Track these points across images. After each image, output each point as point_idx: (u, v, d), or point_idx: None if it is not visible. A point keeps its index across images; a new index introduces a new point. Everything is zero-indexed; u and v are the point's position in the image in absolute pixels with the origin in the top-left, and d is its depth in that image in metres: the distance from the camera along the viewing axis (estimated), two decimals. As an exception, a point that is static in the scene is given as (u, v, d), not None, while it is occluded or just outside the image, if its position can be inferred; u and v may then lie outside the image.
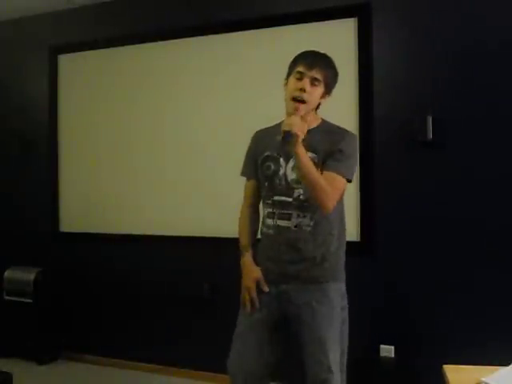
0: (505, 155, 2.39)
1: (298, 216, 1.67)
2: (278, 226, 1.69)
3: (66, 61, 3.42)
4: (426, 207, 2.51)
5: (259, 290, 1.71)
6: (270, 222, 1.73)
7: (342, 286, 1.76)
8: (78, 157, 3.37)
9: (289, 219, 1.67)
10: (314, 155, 1.64)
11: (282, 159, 1.70)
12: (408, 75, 2.56)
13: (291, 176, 1.67)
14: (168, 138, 3.10)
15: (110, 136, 3.28)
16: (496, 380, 1.24)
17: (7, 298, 3.28)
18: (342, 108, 2.64)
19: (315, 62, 1.64)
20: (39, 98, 3.48)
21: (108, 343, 3.24)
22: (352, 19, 2.64)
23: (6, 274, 3.31)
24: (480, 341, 2.33)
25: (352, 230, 2.61)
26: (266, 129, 1.84)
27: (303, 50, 1.73)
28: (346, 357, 1.72)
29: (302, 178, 1.61)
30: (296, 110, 1.61)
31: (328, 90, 1.70)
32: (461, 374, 1.32)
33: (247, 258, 1.76)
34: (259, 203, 1.84)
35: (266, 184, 1.73)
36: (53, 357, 3.29)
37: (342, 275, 1.77)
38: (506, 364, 1.34)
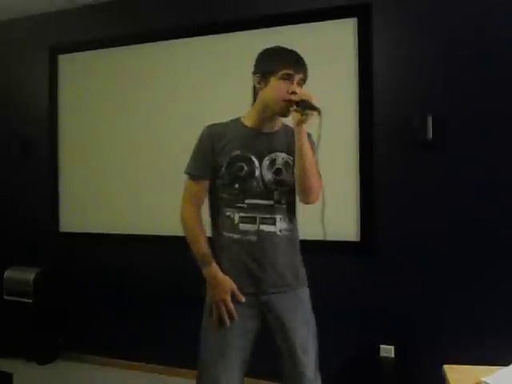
0: (505, 155, 2.39)
1: (281, 220, 1.61)
2: (262, 231, 1.58)
3: (65, 61, 3.42)
4: (426, 207, 2.51)
5: (234, 301, 1.58)
6: (247, 227, 1.58)
7: (307, 289, 1.73)
8: (78, 157, 3.37)
9: (273, 224, 1.60)
10: (288, 156, 1.62)
11: (255, 159, 1.60)
12: (408, 75, 2.56)
13: (268, 177, 1.60)
14: (168, 137, 3.09)
15: (109, 136, 3.28)
16: (496, 380, 1.24)
17: (7, 297, 3.28)
18: (341, 108, 2.65)
19: (300, 62, 1.60)
20: (39, 98, 3.48)
21: (108, 343, 3.24)
22: (352, 19, 2.64)
23: (6, 273, 3.31)
24: (480, 341, 2.33)
25: (352, 230, 2.61)
26: (220, 124, 1.67)
27: (274, 47, 1.68)
28: (318, 361, 1.69)
29: (302, 163, 1.52)
30: (287, 111, 1.56)
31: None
32: (461, 374, 1.32)
33: (215, 269, 1.59)
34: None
35: (237, 186, 1.59)
36: (53, 357, 3.29)
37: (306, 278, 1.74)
38: (506, 364, 1.34)
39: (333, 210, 2.52)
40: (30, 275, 3.23)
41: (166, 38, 3.09)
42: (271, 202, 1.61)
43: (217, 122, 1.71)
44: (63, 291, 3.35)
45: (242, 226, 1.59)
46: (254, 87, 1.67)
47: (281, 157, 1.62)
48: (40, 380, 3.03)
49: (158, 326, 3.08)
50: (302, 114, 1.49)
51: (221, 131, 1.64)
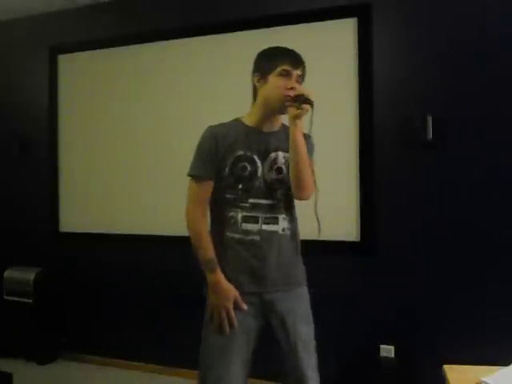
0: (505, 155, 2.39)
1: (283, 219, 1.63)
2: (265, 230, 1.59)
3: (65, 61, 3.42)
4: (426, 207, 2.51)
5: (236, 308, 1.58)
6: (250, 226, 1.59)
7: (306, 289, 1.73)
8: (78, 157, 3.37)
9: (276, 223, 1.61)
10: (288, 155, 1.60)
11: (257, 159, 1.61)
12: (408, 75, 2.55)
13: (270, 176, 1.61)
14: (168, 137, 3.09)
15: (109, 136, 3.28)
16: (496, 380, 1.24)
17: (7, 297, 3.28)
18: (341, 108, 2.65)
19: (298, 59, 1.62)
20: (39, 98, 3.48)
21: (108, 343, 3.24)
22: (352, 19, 2.64)
23: (6, 273, 3.31)
24: (480, 341, 2.34)
25: (352, 230, 2.61)
26: (222, 125, 1.66)
27: (272, 46, 1.70)
28: (316, 360, 1.69)
29: (297, 159, 1.53)
30: (285, 108, 1.56)
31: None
32: (461, 374, 1.32)
33: (219, 276, 1.59)
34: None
35: (240, 186, 1.59)
36: (53, 357, 3.29)
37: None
38: (506, 364, 1.34)
39: (333, 210, 2.52)
40: (30, 275, 3.23)
41: (166, 38, 3.09)
42: (273, 202, 1.61)
43: (216, 121, 1.70)
44: (63, 291, 3.35)
45: (245, 226, 1.59)
46: (254, 86, 1.67)
47: (282, 156, 1.63)
48: (40, 380, 3.03)
49: (158, 326, 3.08)
50: (297, 108, 1.50)
51: (224, 132, 1.63)
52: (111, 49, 3.26)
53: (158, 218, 3.10)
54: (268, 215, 1.60)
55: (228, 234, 1.61)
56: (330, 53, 2.69)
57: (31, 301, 3.21)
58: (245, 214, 1.59)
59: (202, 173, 1.62)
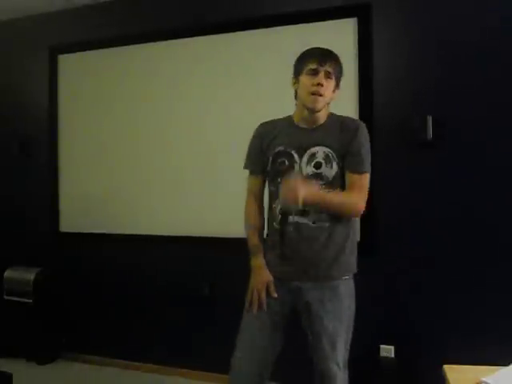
0: (505, 155, 2.39)
1: (315, 212, 1.66)
2: (297, 222, 1.67)
3: (65, 61, 3.42)
4: (426, 207, 2.51)
5: (267, 293, 1.71)
6: (285, 218, 1.70)
7: (352, 283, 1.76)
8: (78, 157, 3.37)
9: (307, 215, 1.67)
10: (328, 150, 1.67)
11: (295, 154, 1.69)
12: (408, 75, 2.55)
13: (306, 170, 1.67)
14: (167, 137, 3.09)
15: (109, 136, 3.28)
16: (496, 380, 1.24)
17: (7, 297, 3.28)
18: (341, 108, 2.64)
19: (325, 56, 1.69)
20: (39, 98, 3.48)
21: (108, 343, 3.24)
22: (352, 19, 2.64)
23: (6, 273, 3.31)
24: (480, 341, 2.33)
25: (352, 230, 2.61)
26: (271, 122, 1.82)
27: (307, 48, 1.76)
28: (347, 356, 1.73)
29: (326, 210, 1.65)
30: (315, 102, 1.64)
31: (337, 83, 1.74)
32: (461, 374, 1.32)
33: (260, 260, 1.75)
34: (263, 198, 1.85)
35: (279, 180, 1.69)
36: (53, 357, 3.29)
37: (353, 272, 1.76)
38: (506, 364, 1.34)
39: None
40: (30, 275, 3.23)
41: (166, 38, 3.09)
42: None
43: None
44: (63, 291, 3.35)
45: (283, 218, 1.71)
46: (296, 91, 1.77)
47: (322, 151, 1.68)
48: (40, 380, 3.03)
49: (158, 326, 3.08)
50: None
51: (269, 129, 1.80)
52: (111, 49, 3.26)
53: (158, 218, 3.10)
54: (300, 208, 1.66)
55: (272, 224, 1.76)
56: (329, 53, 2.68)
57: (31, 301, 3.20)
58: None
59: (251, 167, 1.84)
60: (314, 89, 1.64)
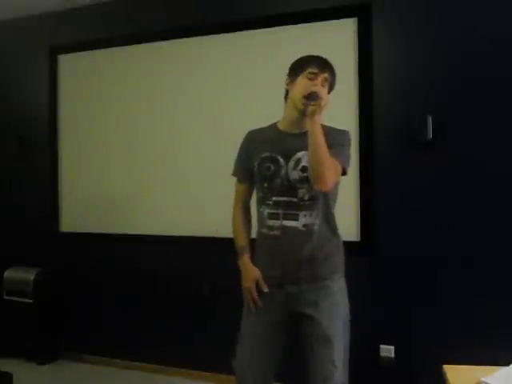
0: (505, 155, 2.39)
1: (305, 216, 1.68)
2: (284, 226, 1.69)
3: (65, 61, 3.42)
4: (426, 207, 2.51)
5: (261, 291, 1.73)
6: (272, 222, 1.72)
7: (343, 282, 1.78)
8: (78, 157, 3.37)
9: (296, 219, 1.68)
10: None
11: (281, 159, 1.71)
12: (408, 75, 2.55)
13: (293, 176, 1.68)
14: (168, 137, 3.10)
15: (109, 136, 3.28)
16: (496, 380, 1.24)
17: (7, 297, 3.28)
18: (342, 108, 2.64)
19: (326, 64, 1.72)
20: (39, 98, 3.48)
21: (108, 343, 3.24)
22: (352, 19, 2.64)
23: (6, 273, 3.31)
24: (480, 341, 2.33)
25: (352, 230, 2.61)
26: (259, 129, 1.85)
27: (305, 55, 1.77)
28: (348, 353, 1.73)
29: (313, 149, 1.57)
30: (307, 106, 1.61)
31: (330, 91, 1.75)
32: (461, 374, 1.33)
33: (246, 259, 1.79)
34: (250, 205, 1.89)
35: (266, 185, 1.73)
36: (53, 357, 3.29)
37: (343, 271, 1.79)
38: (506, 364, 1.34)
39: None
40: (29, 275, 3.23)
41: (166, 38, 3.09)
42: (294, 199, 1.69)
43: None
44: (63, 291, 3.35)
45: (269, 222, 1.73)
46: (286, 90, 1.78)
47: (307, 155, 1.66)
48: (40, 380, 3.03)
49: (158, 326, 3.08)
50: (312, 105, 1.57)
51: (256, 134, 1.84)
52: (111, 49, 3.26)
53: (158, 218, 3.10)
54: (288, 212, 1.69)
55: (260, 229, 1.79)
56: (329, 53, 2.64)
57: (31, 301, 3.20)
58: (269, 210, 1.73)
59: (238, 174, 1.89)
60: (314, 89, 1.63)
